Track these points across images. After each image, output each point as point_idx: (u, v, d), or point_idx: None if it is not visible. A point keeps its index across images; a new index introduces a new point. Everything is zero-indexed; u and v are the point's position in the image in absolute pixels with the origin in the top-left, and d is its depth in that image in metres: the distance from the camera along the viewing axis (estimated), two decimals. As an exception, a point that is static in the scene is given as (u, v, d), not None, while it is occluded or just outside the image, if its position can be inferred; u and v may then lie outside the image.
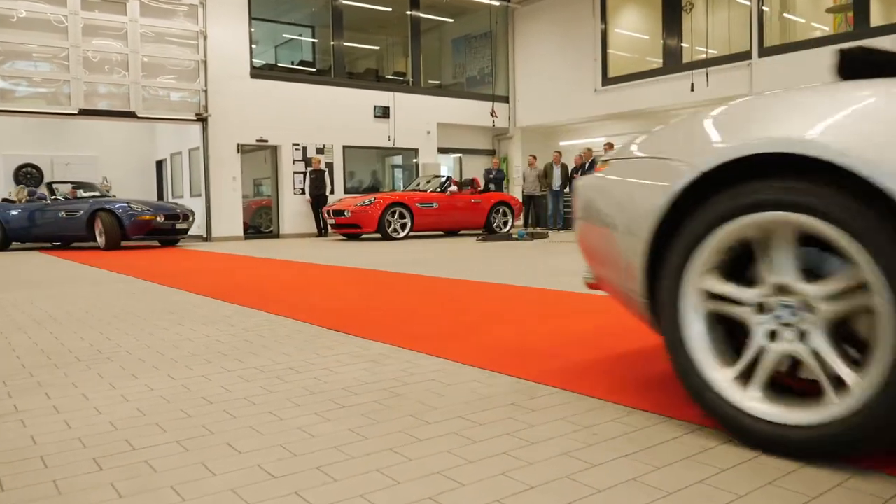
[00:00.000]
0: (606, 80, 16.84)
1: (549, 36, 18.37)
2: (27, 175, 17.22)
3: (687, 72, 14.80)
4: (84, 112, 13.37)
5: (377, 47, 20.71)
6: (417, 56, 18.46)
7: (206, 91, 14.61)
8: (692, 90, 14.27)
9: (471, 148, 19.80)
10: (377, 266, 7.68)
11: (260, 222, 17.67)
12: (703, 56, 14.90)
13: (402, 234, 13.52)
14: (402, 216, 13.55)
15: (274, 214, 16.52)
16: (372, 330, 3.70)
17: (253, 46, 18.91)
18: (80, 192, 13.22)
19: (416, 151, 18.09)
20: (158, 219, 12.12)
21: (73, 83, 13.17)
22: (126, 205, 12.01)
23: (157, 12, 14.03)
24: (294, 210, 16.15)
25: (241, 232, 15.48)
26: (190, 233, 16.59)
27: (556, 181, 16.05)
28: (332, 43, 17.00)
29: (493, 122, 17.80)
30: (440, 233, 15.39)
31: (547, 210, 16.47)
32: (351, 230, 13.71)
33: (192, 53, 14.50)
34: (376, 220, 13.22)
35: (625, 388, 2.41)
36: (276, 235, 16.26)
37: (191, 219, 12.92)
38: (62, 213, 12.17)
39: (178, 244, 13.51)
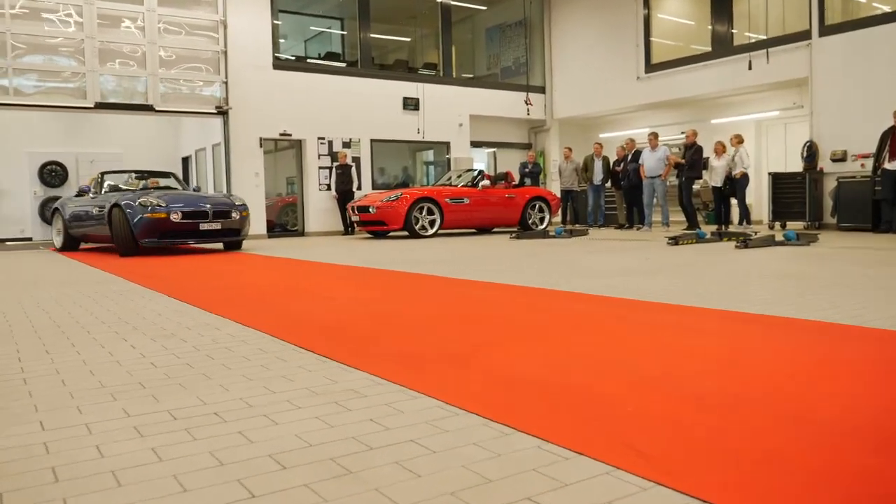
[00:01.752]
0: (650, 67, 15.76)
1: (588, 22, 17.35)
2: (52, 173, 16.81)
3: (738, 55, 13.67)
4: (100, 106, 12.82)
5: (408, 39, 19.93)
6: (448, 46, 17.60)
7: (226, 83, 13.97)
8: (749, 68, 13.17)
9: (505, 141, 18.87)
10: (396, 266, 6.85)
11: (286, 220, 17.00)
12: (756, 38, 13.77)
13: (431, 232, 12.67)
14: (430, 212, 12.71)
15: (299, 212, 15.83)
16: (357, 349, 2.86)
17: (281, 41, 18.39)
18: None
19: (447, 145, 17.24)
20: (173, 217, 9.28)
21: (89, 76, 12.63)
22: (133, 199, 9.34)
23: (174, 1, 13.42)
24: (319, 207, 15.44)
25: (264, 230, 14.81)
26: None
27: (597, 175, 15.03)
28: (358, 33, 16.24)
29: (528, 110, 16.86)
30: (472, 230, 14.52)
31: (587, 206, 15.47)
32: (376, 227, 12.91)
33: (211, 44, 13.86)
34: (403, 217, 12.40)
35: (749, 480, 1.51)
36: (302, 233, 15.57)
37: (234, 215, 9.86)
38: (94, 210, 10.09)
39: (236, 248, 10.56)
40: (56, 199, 16.30)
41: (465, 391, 2.15)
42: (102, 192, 10.62)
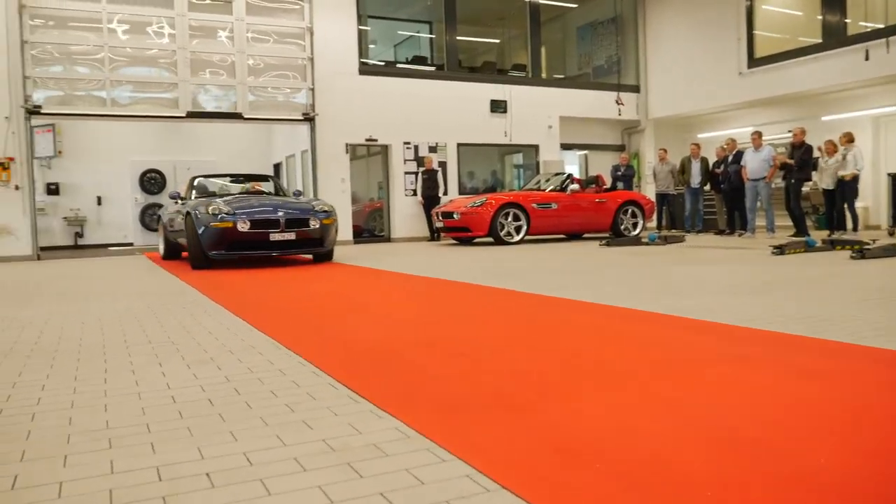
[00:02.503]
0: (753, 62, 14.74)
1: (685, 16, 16.44)
2: (151, 180, 17.44)
3: (853, 45, 12.53)
4: (192, 115, 13.10)
5: (496, 40, 19.55)
6: (537, 46, 17.09)
7: (313, 90, 14.01)
8: (866, 59, 12.06)
9: (597, 143, 18.17)
10: (473, 277, 6.48)
11: (374, 225, 16.95)
12: (873, 27, 12.58)
13: (517, 238, 12.23)
14: (516, 218, 12.27)
15: (385, 217, 15.73)
16: (398, 385, 2.51)
17: (371, 46, 18.42)
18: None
19: (536, 148, 16.73)
20: (240, 226, 8.10)
21: (181, 86, 12.92)
22: (202, 207, 8.33)
23: (262, 10, 13.57)
24: (405, 212, 15.27)
25: (350, 236, 14.77)
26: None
27: (695, 177, 14.15)
28: (444, 37, 16.00)
29: (619, 111, 16.12)
30: (562, 236, 13.98)
31: (684, 210, 14.61)
32: (460, 234, 12.59)
33: (298, 51, 13.94)
34: (487, 223, 12.02)
35: None
36: (388, 239, 15.46)
37: (313, 224, 8.53)
38: (179, 218, 9.33)
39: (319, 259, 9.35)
40: (155, 206, 16.95)
41: (509, 457, 1.76)
42: (191, 198, 9.70)
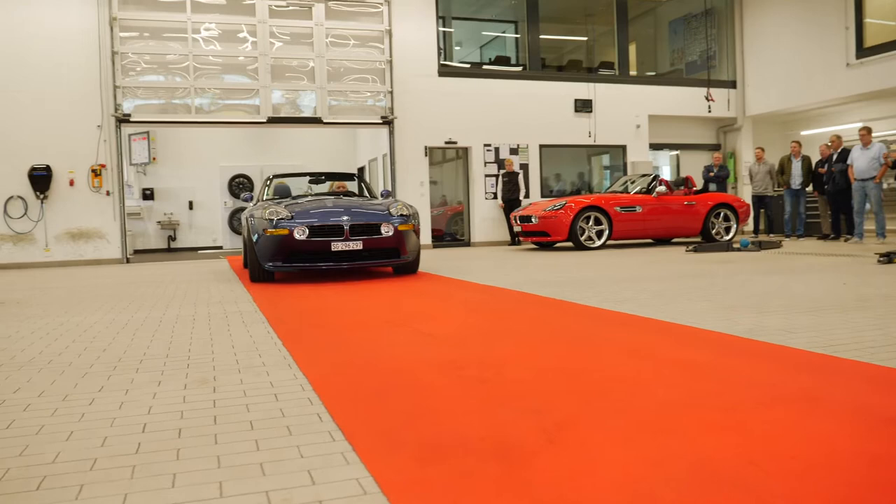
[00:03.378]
0: (862, 52, 13.55)
1: (786, 5, 15.34)
2: (239, 185, 17.85)
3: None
4: (272, 120, 13.25)
5: (582, 38, 18.93)
6: (625, 42, 16.39)
7: (391, 93, 13.90)
8: None
9: (690, 143, 17.25)
10: (540, 286, 6.08)
11: (456, 229, 16.73)
12: None
13: (599, 243, 11.67)
14: (597, 222, 11.72)
15: (465, 221, 15.45)
16: (390, 420, 2.18)
17: (457, 48, 18.21)
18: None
19: (623, 148, 16.04)
20: (297, 234, 7.00)
21: (262, 92, 13.09)
22: (259, 211, 7.40)
23: (341, 14, 13.58)
24: (485, 216, 14.95)
25: (428, 240, 14.57)
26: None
27: (796, 178, 13.13)
28: (527, 35, 15.58)
29: (709, 107, 15.19)
30: (649, 241, 13.29)
31: (783, 213, 13.59)
32: (539, 238, 12.14)
33: (377, 54, 13.87)
34: (567, 227, 11.53)
35: None
36: (467, 244, 15.17)
37: (386, 231, 7.26)
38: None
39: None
40: (242, 210, 17.34)
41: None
42: (263, 199, 8.80)
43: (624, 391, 2.51)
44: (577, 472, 1.72)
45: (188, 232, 17.65)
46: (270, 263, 7.12)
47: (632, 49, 19.14)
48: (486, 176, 14.94)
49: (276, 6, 13.13)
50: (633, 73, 17.39)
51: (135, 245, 16.63)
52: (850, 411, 2.15)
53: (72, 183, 12.26)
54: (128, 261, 12.73)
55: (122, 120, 12.45)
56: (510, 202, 14.36)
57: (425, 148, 14.42)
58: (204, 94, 12.81)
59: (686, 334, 3.62)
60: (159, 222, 17.34)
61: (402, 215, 7.50)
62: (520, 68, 15.83)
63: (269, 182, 9.32)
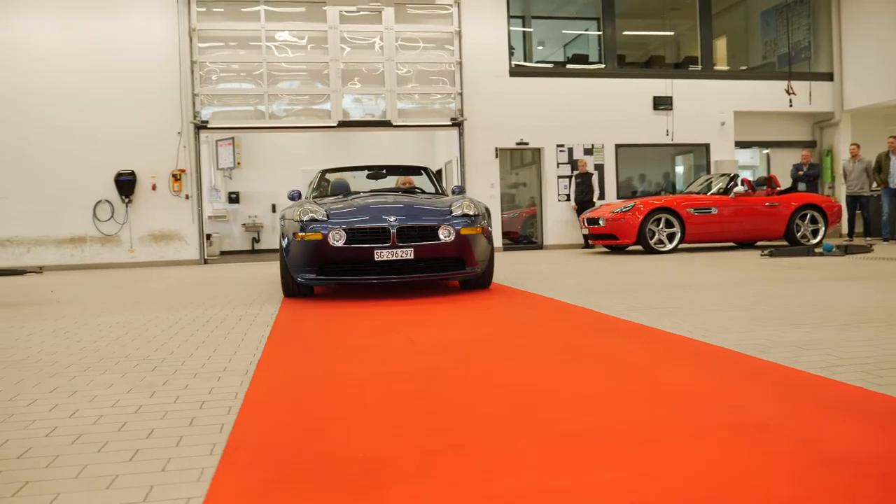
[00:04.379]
0: (976, 37, 12.36)
1: (891, -10, 14.21)
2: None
3: None
4: (343, 124, 13.44)
5: (668, 33, 18.21)
6: (708, 36, 15.63)
7: (461, 94, 13.83)
8: None
9: (782, 140, 16.23)
10: (586, 293, 5.83)
11: (531, 231, 16.47)
12: None
13: (670, 246, 11.15)
14: (669, 224, 11.20)
15: (538, 223, 15.17)
16: (284, 445, 2.08)
17: (539, 48, 17.95)
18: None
19: (706, 147, 15.29)
20: (333, 239, 5.66)
21: (333, 96, 13.32)
22: (295, 212, 6.06)
23: (411, 17, 13.63)
24: (557, 218, 14.62)
25: (499, 243, 14.38)
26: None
27: (894, 176, 12.12)
28: (603, 32, 15.13)
29: (790, 101, 14.20)
30: (728, 244, 12.59)
31: (881, 214, 12.56)
32: (606, 241, 11.74)
33: (446, 56, 13.83)
34: (635, 230, 11.08)
35: None
36: (540, 246, 14.88)
37: (445, 235, 5.80)
38: None
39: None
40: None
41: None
42: (311, 197, 7.28)
43: (560, 413, 2.30)
44: None
45: (271, 234, 18.19)
46: (302, 275, 5.79)
47: (721, 43, 18.29)
48: (559, 177, 14.60)
49: (346, 12, 13.31)
50: (722, 67, 16.59)
51: (221, 246, 17.33)
52: (794, 445, 1.88)
53: (154, 187, 12.87)
54: (205, 262, 13.22)
55: (201, 126, 12.96)
56: (583, 204, 13.97)
57: (495, 149, 14.25)
58: (277, 100, 13.15)
59: (684, 349, 3.33)
60: (244, 225, 17.98)
61: (466, 215, 5.96)
62: (597, 66, 15.39)
63: (324, 177, 7.92)
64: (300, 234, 5.78)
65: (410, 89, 13.66)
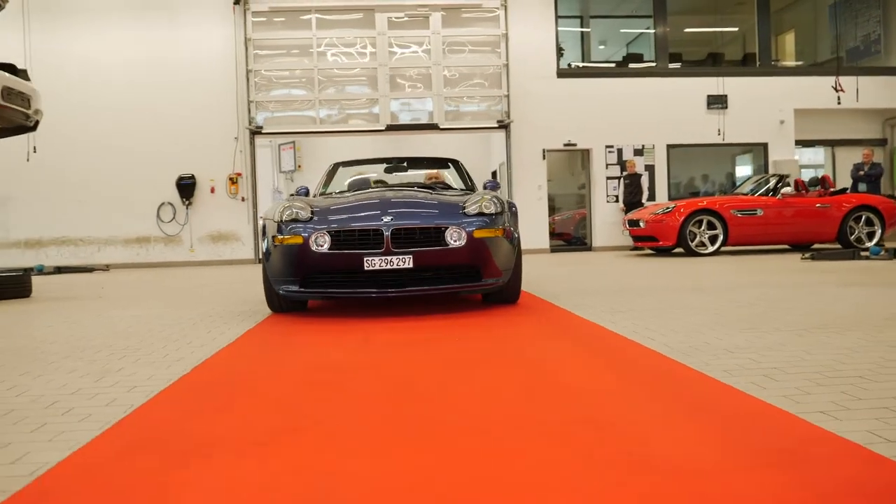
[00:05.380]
0: None
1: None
2: (379, 190, 18.68)
3: None
4: (391, 127, 13.80)
5: (735, 28, 17.77)
6: (766, 31, 15.20)
7: (507, 96, 13.96)
8: None
9: (848, 138, 15.61)
10: (565, 294, 5.91)
11: (583, 233, 16.43)
12: None
13: (711, 249, 10.96)
14: (711, 226, 11.01)
15: (587, 225, 15.11)
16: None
17: (601, 47, 17.89)
18: None
19: (764, 147, 14.87)
20: (315, 244, 4.71)
21: (381, 101, 13.69)
22: (277, 211, 5.05)
23: (458, 21, 13.86)
24: (606, 220, 14.54)
25: (546, 244, 14.45)
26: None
27: (961, 176, 11.51)
28: (654, 30, 14.95)
29: (839, 98, 13.56)
30: (782, 247, 12.23)
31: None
32: (648, 243, 11.63)
33: (493, 59, 13.99)
34: (675, 232, 10.95)
35: None
36: (589, 248, 14.83)
37: (453, 239, 4.71)
38: None
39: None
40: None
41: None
42: (319, 194, 6.42)
43: (427, 398, 2.47)
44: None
45: (331, 235, 18.74)
46: (284, 287, 4.87)
47: (789, 38, 17.73)
48: (608, 178, 14.52)
49: (394, 18, 13.66)
50: (788, 63, 16.08)
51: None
52: (611, 440, 2.00)
53: (212, 190, 13.56)
54: (259, 261, 13.82)
55: (255, 132, 13.58)
56: (631, 205, 13.85)
57: (543, 151, 14.30)
58: (328, 104, 13.64)
59: (606, 346, 3.42)
60: (304, 226, 18.58)
61: (483, 214, 4.89)
62: (647, 65, 15.21)
63: (331, 171, 6.94)
64: (279, 237, 4.84)
65: (457, 92, 13.89)
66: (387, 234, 4.67)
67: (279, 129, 13.77)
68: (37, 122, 7.27)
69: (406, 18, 13.72)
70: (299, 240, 4.74)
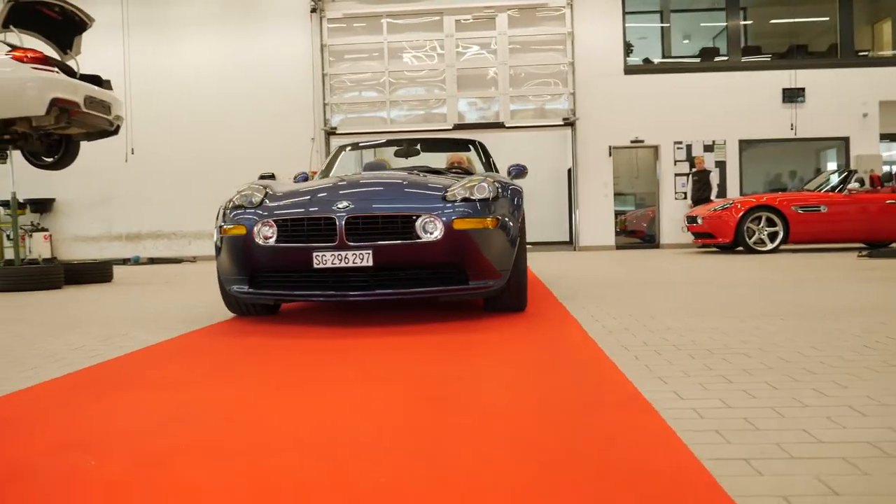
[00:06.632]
0: None
1: None
2: (456, 188, 19.16)
3: None
4: (458, 127, 14.24)
5: (826, 18, 17.09)
6: (848, 21, 14.58)
7: (573, 94, 14.11)
8: None
9: (941, 131, 14.78)
10: (583, 286, 6.16)
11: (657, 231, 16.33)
12: None
13: (770, 246, 10.75)
14: (771, 223, 10.80)
15: (656, 222, 15.02)
16: None
17: (685, 42, 17.68)
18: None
19: (845, 141, 14.31)
20: (260, 236, 3.91)
21: (449, 101, 14.16)
22: (236, 199, 4.21)
23: (524, 21, 14.13)
24: (673, 217, 14.40)
25: (611, 241, 14.48)
26: (553, 239, 16.28)
27: None
28: (727, 23, 14.66)
29: None
30: (858, 244, 11.80)
31: None
32: (706, 240, 11.52)
33: (559, 57, 14.17)
34: (732, 229, 10.80)
35: None
36: (657, 245, 14.75)
37: (429, 232, 3.71)
38: None
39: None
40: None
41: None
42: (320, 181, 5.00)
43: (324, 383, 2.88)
44: None
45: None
46: (234, 286, 4.11)
47: (886, 27, 16.91)
48: (676, 175, 14.39)
49: (462, 20, 14.10)
50: (873, 53, 15.37)
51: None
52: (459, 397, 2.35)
53: (291, 188, 14.44)
54: (333, 255, 14.60)
55: (330, 133, 14.37)
56: (700, 202, 13.67)
57: (609, 148, 14.35)
58: (398, 105, 14.26)
59: (550, 329, 3.71)
60: (384, 222, 19.32)
61: (468, 200, 3.87)
62: (719, 59, 14.94)
63: (336, 154, 6.25)
64: (224, 226, 4.10)
65: (523, 91, 14.17)
66: (340, 223, 3.73)
67: (352, 129, 14.49)
68: (118, 127, 8.15)
69: (472, 20, 14.12)
70: (242, 230, 3.95)
